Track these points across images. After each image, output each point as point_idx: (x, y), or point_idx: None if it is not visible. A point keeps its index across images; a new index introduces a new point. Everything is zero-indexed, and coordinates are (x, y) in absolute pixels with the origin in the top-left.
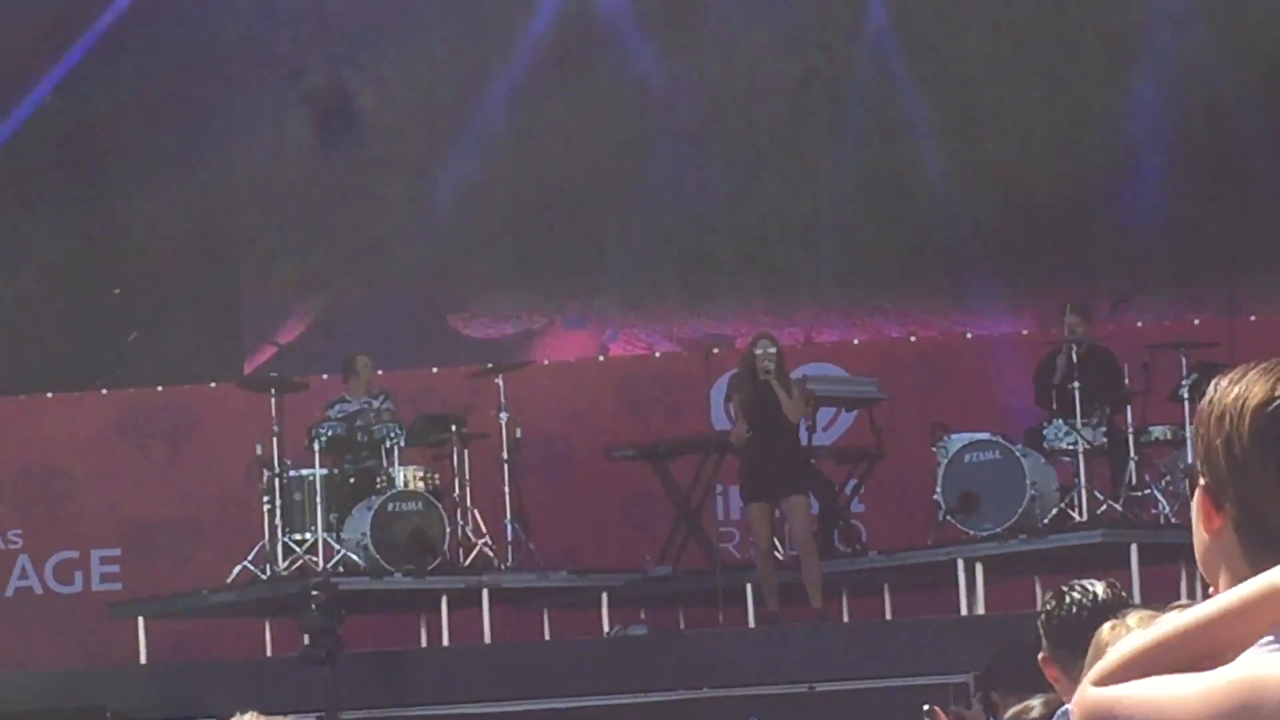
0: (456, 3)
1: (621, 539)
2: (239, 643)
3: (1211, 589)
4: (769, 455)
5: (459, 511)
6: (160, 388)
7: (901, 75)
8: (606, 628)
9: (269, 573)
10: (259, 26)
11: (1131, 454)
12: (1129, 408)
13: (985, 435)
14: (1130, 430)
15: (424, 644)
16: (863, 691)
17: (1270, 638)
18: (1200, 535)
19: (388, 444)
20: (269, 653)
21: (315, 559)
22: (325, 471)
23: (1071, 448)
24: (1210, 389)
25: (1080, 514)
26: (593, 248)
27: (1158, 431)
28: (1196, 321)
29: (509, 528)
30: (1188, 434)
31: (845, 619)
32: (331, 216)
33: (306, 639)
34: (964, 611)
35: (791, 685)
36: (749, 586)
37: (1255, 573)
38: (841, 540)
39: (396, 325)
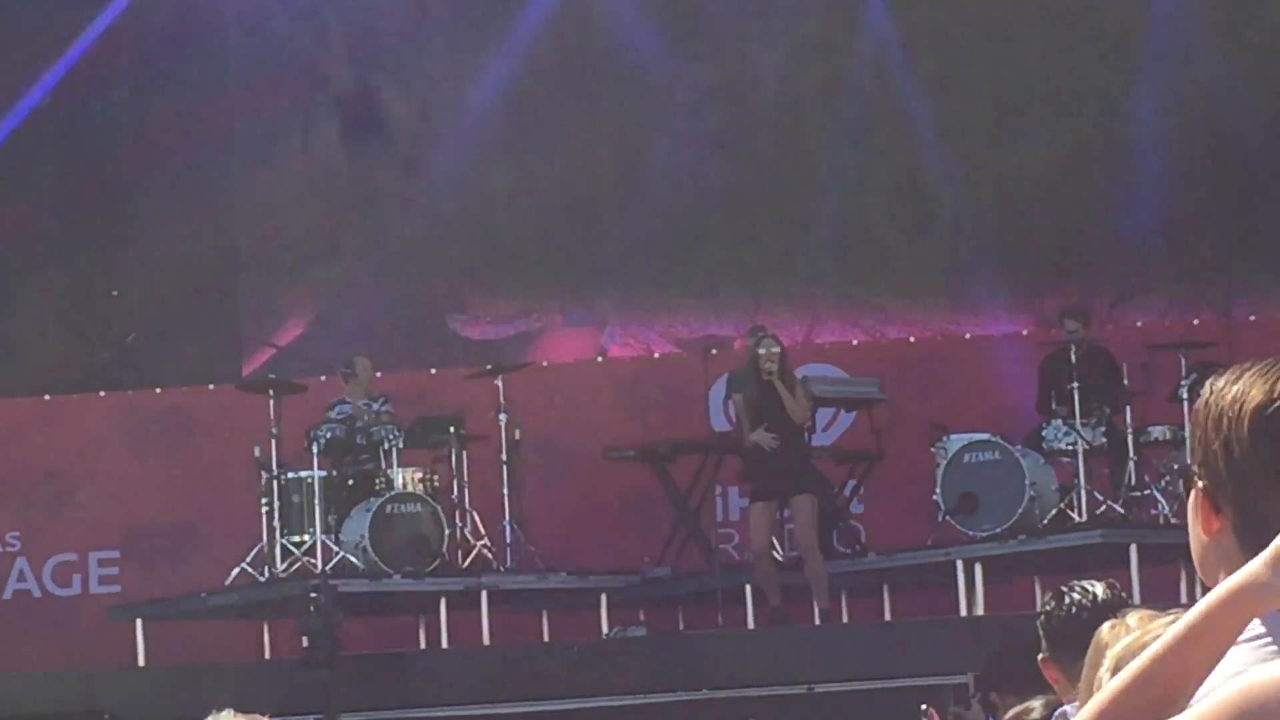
0: (456, 3)
1: (620, 540)
2: (237, 645)
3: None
4: (775, 455)
5: (458, 513)
6: (159, 390)
7: (902, 75)
8: (606, 629)
9: (268, 575)
10: (259, 26)
11: (1131, 454)
12: (1128, 408)
13: (985, 436)
14: (1130, 431)
15: (423, 646)
16: (862, 692)
17: (1259, 634)
18: (1198, 537)
19: (386, 445)
20: (267, 655)
21: (314, 561)
22: (324, 473)
23: (1071, 448)
24: (1205, 390)
25: (1080, 514)
26: (592, 249)
27: (1157, 432)
28: (1196, 321)
29: (508, 529)
30: (1187, 434)
31: (845, 619)
32: (330, 218)
33: (305, 641)
34: (963, 612)
35: (791, 686)
36: (748, 587)
37: None
38: (841, 541)
39: (395, 327)
